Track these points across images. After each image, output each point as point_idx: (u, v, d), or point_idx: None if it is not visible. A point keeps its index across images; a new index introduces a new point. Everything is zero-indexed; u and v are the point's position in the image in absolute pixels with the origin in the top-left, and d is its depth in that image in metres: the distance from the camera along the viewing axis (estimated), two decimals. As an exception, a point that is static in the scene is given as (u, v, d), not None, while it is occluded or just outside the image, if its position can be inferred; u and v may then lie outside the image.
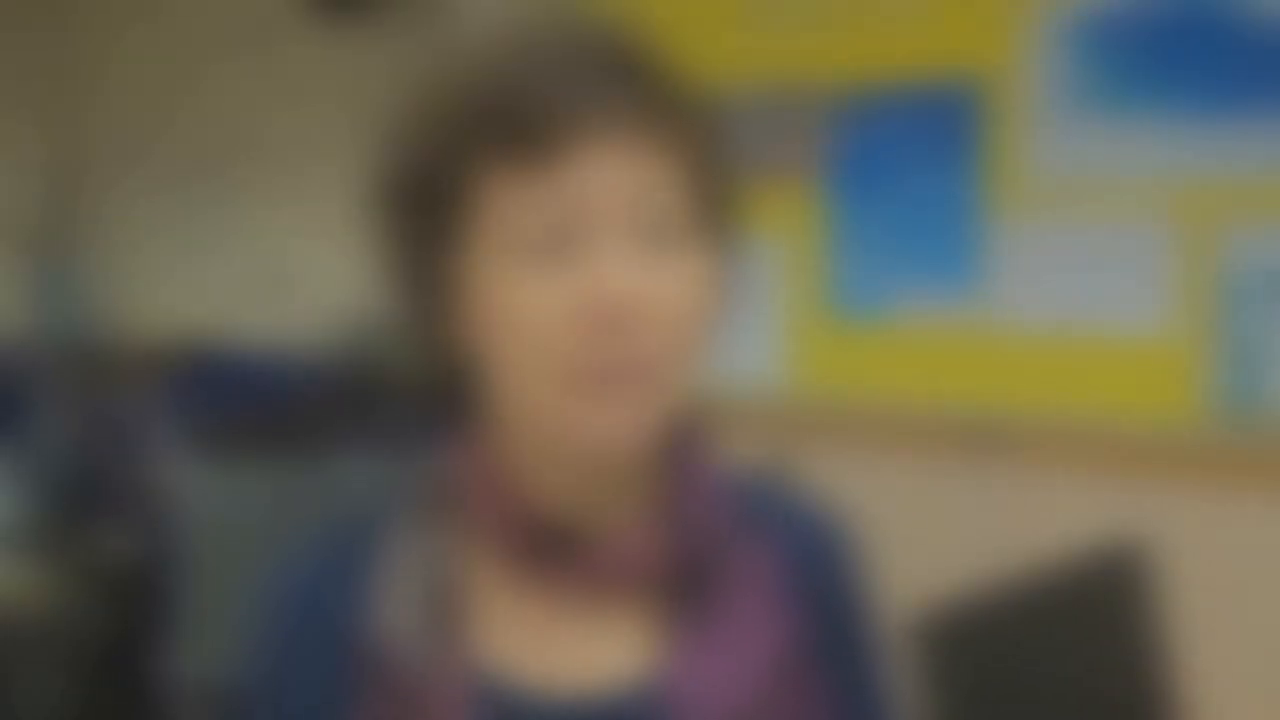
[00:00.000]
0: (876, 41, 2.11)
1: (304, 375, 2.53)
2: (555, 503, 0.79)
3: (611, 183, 0.74)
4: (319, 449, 2.35)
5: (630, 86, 0.76)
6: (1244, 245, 1.87)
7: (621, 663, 0.79)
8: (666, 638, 0.79)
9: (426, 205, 0.77)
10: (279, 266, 2.73)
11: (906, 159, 2.11)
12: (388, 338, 2.53)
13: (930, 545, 0.98)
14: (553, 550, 0.79)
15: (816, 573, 0.85)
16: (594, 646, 0.80)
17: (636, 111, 0.75)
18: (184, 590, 2.33)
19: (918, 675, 1.21)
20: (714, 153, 0.80)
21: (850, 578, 0.88)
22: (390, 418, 2.35)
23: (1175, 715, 1.52)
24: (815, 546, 0.86)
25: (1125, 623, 1.54)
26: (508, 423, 0.79)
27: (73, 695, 2.41)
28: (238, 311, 2.72)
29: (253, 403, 2.47)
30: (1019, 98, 2.02)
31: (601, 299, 0.73)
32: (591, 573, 0.79)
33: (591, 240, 0.74)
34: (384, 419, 2.34)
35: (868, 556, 0.89)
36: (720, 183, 0.80)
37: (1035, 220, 2.01)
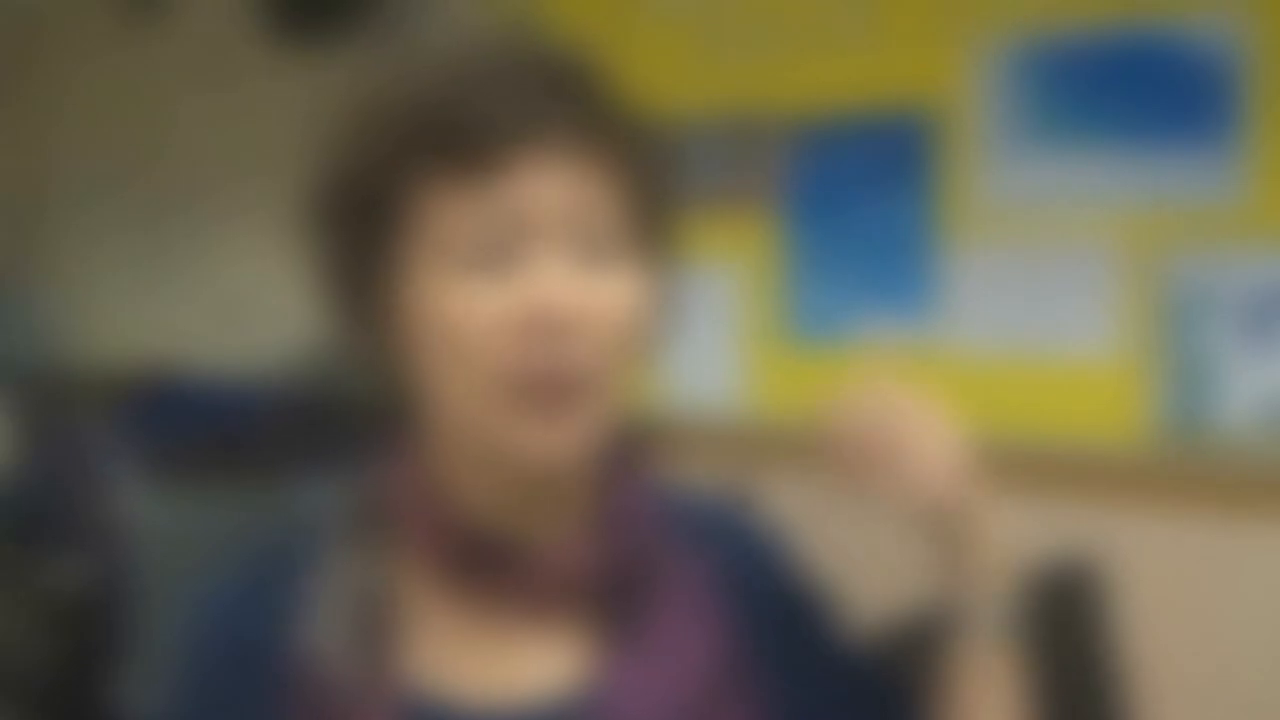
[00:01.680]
0: (831, 71, 2.15)
1: (261, 403, 2.51)
2: (488, 516, 0.79)
3: (549, 196, 0.75)
4: (277, 476, 2.33)
5: (569, 102, 0.76)
6: (1188, 269, 1.92)
7: (554, 676, 0.79)
8: (599, 650, 0.80)
9: (362, 217, 0.78)
10: (235, 295, 2.72)
11: (861, 186, 2.14)
12: (344, 365, 2.53)
13: (885, 567, 0.99)
14: (485, 564, 0.79)
15: (758, 579, 0.86)
16: (527, 660, 0.80)
17: (575, 126, 0.76)
18: (142, 619, 2.30)
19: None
20: (653, 170, 0.80)
21: (794, 576, 0.88)
22: (348, 445, 2.35)
23: (1127, 732, 1.54)
24: (753, 554, 0.87)
25: (1075, 640, 1.56)
26: (443, 435, 0.79)
27: (24, 728, 2.37)
28: (194, 340, 2.70)
29: (209, 431, 2.45)
30: (970, 127, 2.06)
31: (538, 310, 0.74)
32: (524, 586, 0.79)
33: (528, 253, 0.74)
34: (342, 446, 2.34)
35: (822, 576, 0.90)
36: (659, 200, 0.81)
37: (986, 246, 2.05)
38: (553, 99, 0.76)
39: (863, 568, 1.17)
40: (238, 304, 2.69)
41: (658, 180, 0.81)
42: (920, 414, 0.86)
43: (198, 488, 2.36)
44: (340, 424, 2.42)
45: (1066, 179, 1.98)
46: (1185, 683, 1.80)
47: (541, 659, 0.80)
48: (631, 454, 0.83)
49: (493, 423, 0.76)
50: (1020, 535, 0.89)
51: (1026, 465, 1.95)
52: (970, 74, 2.05)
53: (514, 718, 0.78)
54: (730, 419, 2.21)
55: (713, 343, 2.21)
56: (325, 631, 0.78)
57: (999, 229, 2.04)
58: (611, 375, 0.77)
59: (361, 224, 0.78)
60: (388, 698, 0.76)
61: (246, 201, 2.69)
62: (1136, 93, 1.94)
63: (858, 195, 2.15)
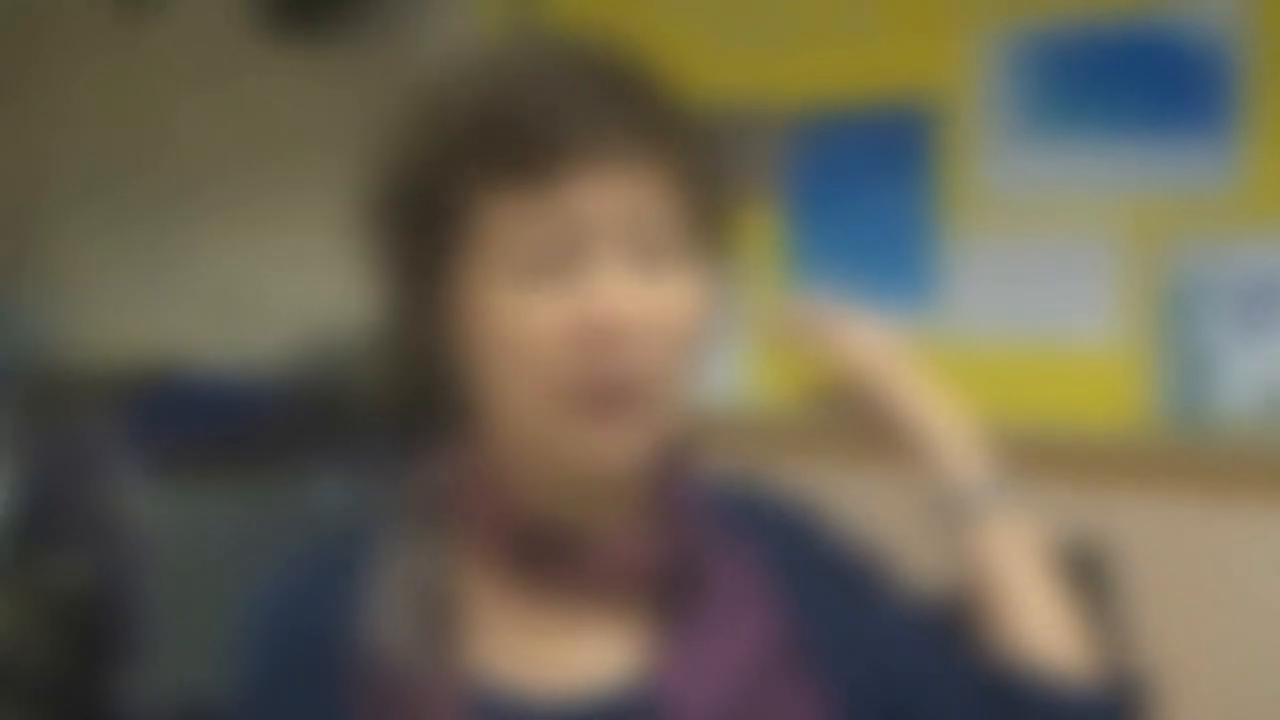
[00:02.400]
0: (831, 62, 2.16)
1: (265, 398, 2.52)
2: (547, 510, 0.81)
3: (610, 202, 0.75)
4: (282, 472, 2.34)
5: (630, 108, 0.77)
6: (1188, 258, 1.94)
7: (613, 666, 0.81)
8: (656, 640, 0.81)
9: (422, 222, 0.78)
10: (237, 290, 2.72)
11: (862, 176, 2.16)
12: (349, 359, 2.53)
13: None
14: (545, 557, 0.80)
15: (806, 561, 0.88)
16: (586, 651, 0.81)
17: (635, 132, 0.76)
18: (146, 617, 2.30)
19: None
20: (708, 172, 0.81)
21: (841, 551, 0.90)
22: (354, 438, 2.35)
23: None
24: (793, 534, 0.89)
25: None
26: (501, 437, 0.80)
27: (30, 725, 2.37)
28: (196, 337, 2.70)
29: (213, 427, 2.45)
30: (971, 117, 2.07)
31: (599, 318, 0.74)
32: (583, 579, 0.81)
33: (590, 260, 0.75)
34: (347, 440, 2.34)
35: (869, 545, 0.91)
36: (714, 203, 0.82)
37: (988, 236, 2.06)
38: (614, 105, 0.76)
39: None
40: (236, 299, 2.69)
41: (713, 184, 0.82)
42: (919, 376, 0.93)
43: (200, 484, 2.36)
44: (341, 419, 2.43)
45: (1066, 168, 2.00)
46: (1186, 666, 1.82)
47: (600, 650, 0.81)
48: (681, 450, 0.85)
49: (552, 430, 0.77)
50: (1028, 519, 0.91)
51: (1028, 452, 1.96)
52: (970, 64, 2.07)
53: (575, 708, 0.79)
54: (738, 410, 2.23)
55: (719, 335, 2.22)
56: (389, 625, 0.79)
57: (999, 218, 2.06)
58: (669, 380, 0.78)
59: (421, 228, 0.78)
60: (455, 690, 0.77)
61: (243, 196, 2.69)
62: (1135, 82, 1.96)
63: (859, 185, 2.16)
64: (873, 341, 0.95)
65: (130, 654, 2.35)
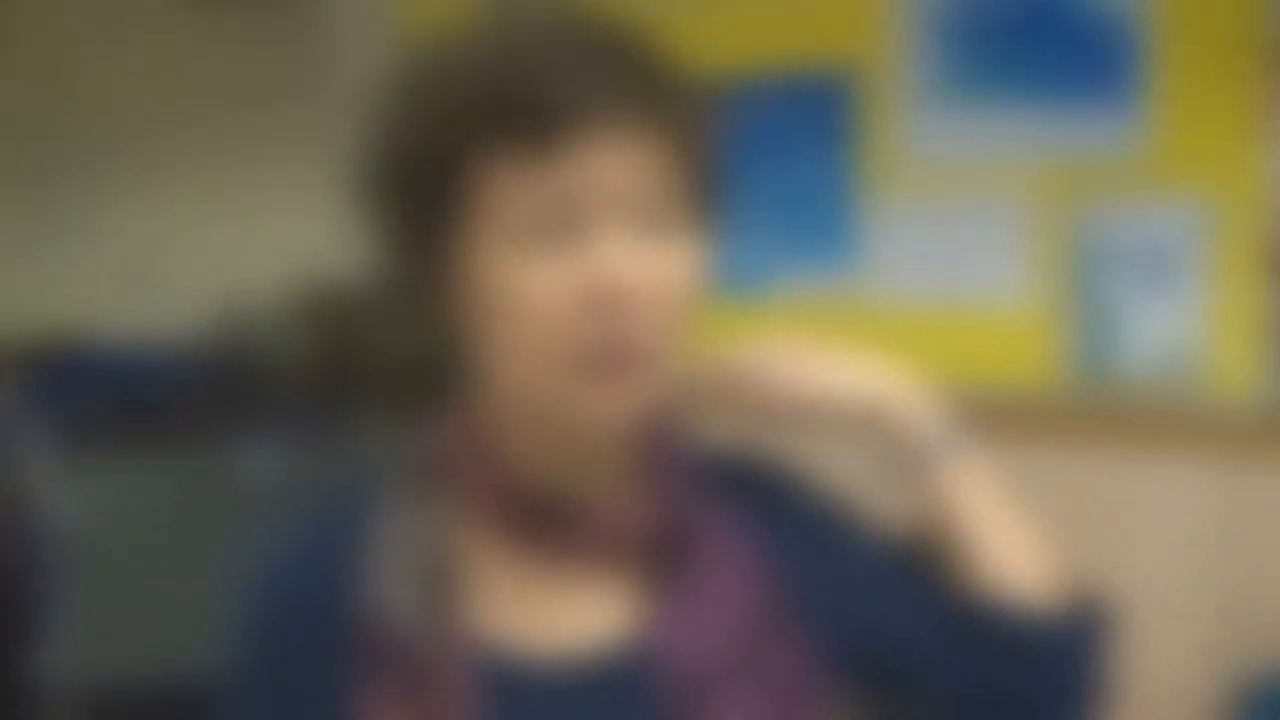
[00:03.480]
0: (752, 28, 2.18)
1: (176, 369, 2.46)
2: (544, 475, 0.82)
3: (612, 170, 0.76)
4: (195, 442, 2.29)
5: (631, 76, 0.78)
6: (1095, 220, 2.02)
7: (609, 627, 0.83)
8: (650, 601, 0.83)
9: (425, 188, 0.78)
10: (142, 258, 2.65)
11: (782, 141, 2.19)
12: (264, 327, 2.49)
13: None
14: (542, 520, 0.82)
15: (781, 516, 0.90)
16: (582, 613, 0.83)
17: (637, 100, 0.77)
18: (57, 596, 2.25)
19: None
20: (707, 142, 0.83)
21: (811, 502, 0.93)
22: (268, 406, 2.32)
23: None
24: (771, 494, 0.91)
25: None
26: (502, 401, 0.82)
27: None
28: (101, 306, 2.62)
29: (122, 400, 2.39)
30: (889, 83, 2.12)
31: (603, 284, 0.76)
32: (579, 541, 0.82)
33: (593, 226, 0.76)
34: (262, 408, 2.30)
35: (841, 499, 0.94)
36: (711, 171, 0.84)
37: (906, 200, 2.12)
38: (616, 73, 0.77)
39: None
40: (143, 267, 2.62)
41: (710, 152, 0.83)
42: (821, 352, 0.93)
43: (111, 459, 2.30)
44: (259, 389, 2.39)
45: (981, 135, 2.07)
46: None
47: (597, 610, 0.83)
48: (670, 412, 0.87)
49: (554, 392, 0.78)
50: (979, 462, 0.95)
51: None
52: (890, 32, 2.11)
53: (574, 667, 0.81)
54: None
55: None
56: (391, 589, 0.79)
57: (917, 184, 2.11)
58: (667, 345, 0.79)
59: (424, 195, 0.79)
60: (459, 652, 0.79)
61: (152, 160, 2.61)
62: (1045, 51, 2.03)
63: (778, 151, 2.20)
64: (780, 362, 0.93)
65: (40, 633, 2.29)
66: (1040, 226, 2.05)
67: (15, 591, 2.32)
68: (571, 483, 0.82)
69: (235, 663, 0.83)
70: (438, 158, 0.78)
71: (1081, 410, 2.03)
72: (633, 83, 0.78)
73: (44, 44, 2.69)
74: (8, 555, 2.37)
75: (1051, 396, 2.05)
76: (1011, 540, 0.92)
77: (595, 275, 0.76)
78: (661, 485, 0.85)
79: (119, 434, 2.32)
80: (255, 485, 2.12)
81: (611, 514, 0.83)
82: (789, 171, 2.19)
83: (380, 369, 2.02)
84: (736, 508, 0.89)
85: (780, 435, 0.93)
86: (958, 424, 0.94)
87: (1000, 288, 2.07)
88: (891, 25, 2.11)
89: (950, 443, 0.92)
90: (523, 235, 0.76)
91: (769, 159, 2.21)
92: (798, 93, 2.17)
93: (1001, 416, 2.08)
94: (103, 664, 2.19)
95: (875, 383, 0.93)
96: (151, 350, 2.52)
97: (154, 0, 2.52)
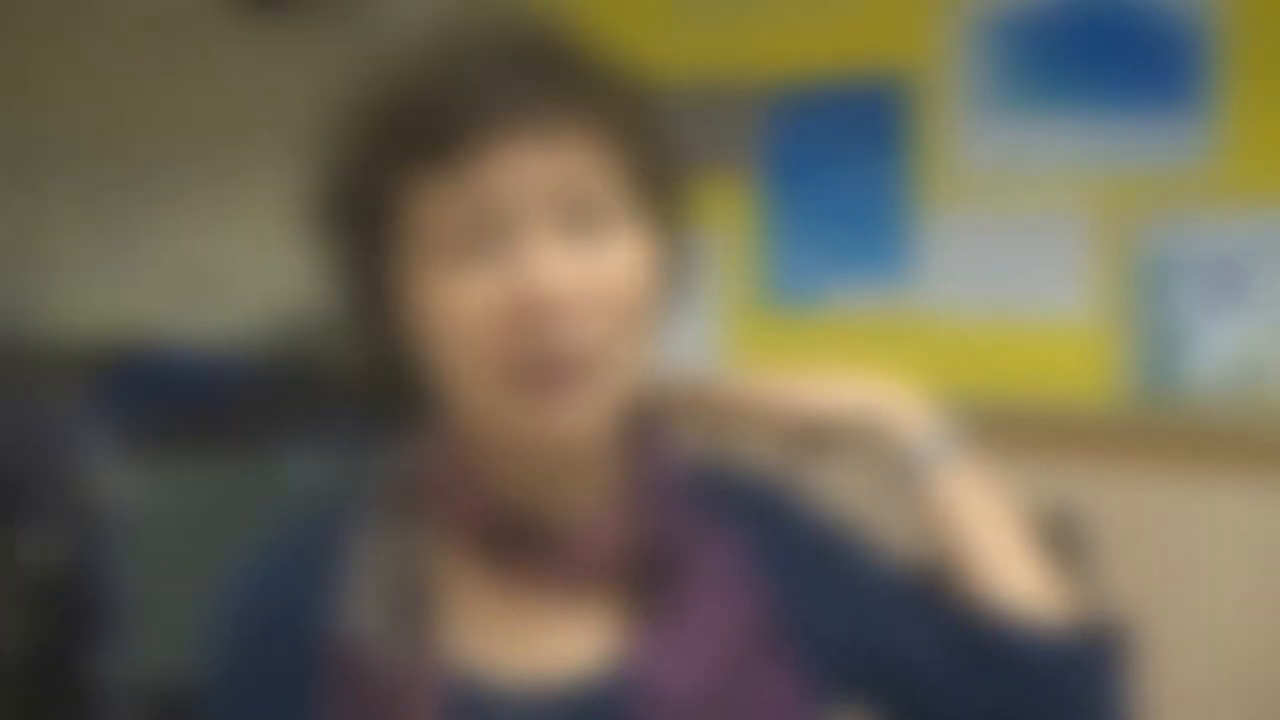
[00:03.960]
0: (806, 37, 2.16)
1: (232, 374, 2.50)
2: (518, 496, 0.80)
3: (529, 175, 0.74)
4: (252, 446, 2.33)
5: (541, 77, 0.75)
6: (1159, 232, 1.96)
7: (589, 653, 0.80)
8: (632, 627, 0.80)
9: (357, 215, 0.78)
10: (208, 265, 2.70)
11: (837, 152, 2.16)
12: (319, 333, 2.52)
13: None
14: (517, 543, 0.80)
15: (777, 536, 0.87)
16: (561, 638, 0.80)
17: (550, 100, 0.74)
18: (118, 594, 2.29)
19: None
20: (649, 136, 0.79)
21: (810, 521, 0.89)
22: (324, 412, 2.35)
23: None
24: (767, 512, 0.88)
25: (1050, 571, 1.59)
26: (460, 422, 0.80)
27: (0, 704, 2.36)
28: (167, 311, 2.68)
29: (182, 403, 2.44)
30: (945, 93, 2.08)
31: (530, 291, 0.73)
32: (556, 564, 0.80)
33: (515, 234, 0.74)
34: (318, 414, 2.33)
35: (846, 520, 0.91)
36: (659, 164, 0.80)
37: (961, 211, 2.08)
38: (522, 76, 0.74)
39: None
40: (206, 274, 2.68)
41: (656, 144, 0.79)
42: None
43: (172, 460, 2.35)
44: (315, 395, 2.42)
45: (1039, 144, 2.02)
46: (1153, 634, 1.85)
47: (576, 636, 0.80)
48: (653, 430, 0.84)
49: (498, 408, 0.75)
50: (1001, 492, 0.92)
51: (1000, 425, 1.99)
52: (945, 40, 2.08)
53: (550, 694, 0.79)
54: (708, 383, 2.24)
55: (692, 310, 2.22)
56: (364, 611, 0.78)
57: (973, 194, 2.07)
58: (618, 348, 0.76)
59: (357, 224, 0.78)
60: (430, 677, 0.77)
61: (216, 169, 2.67)
62: (1107, 57, 1.97)
63: (833, 161, 2.17)
64: (765, 387, 0.91)
65: (104, 632, 2.33)
66: (1101, 238, 1.99)
67: (79, 590, 2.38)
68: (545, 502, 0.80)
69: (210, 680, 0.82)
70: (363, 182, 0.77)
71: (1142, 428, 1.96)
72: (547, 85, 0.75)
73: (113, 58, 2.76)
74: (73, 553, 2.42)
75: (1111, 414, 1.98)
76: (1009, 553, 0.88)
77: (520, 283, 0.73)
78: (643, 505, 0.82)
79: (179, 436, 2.37)
80: (301, 489, 2.14)
81: (589, 536, 0.80)
82: (842, 183, 2.16)
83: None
84: (730, 526, 0.86)
85: (783, 453, 0.91)
86: (962, 435, 0.91)
87: (1059, 301, 2.02)
88: (946, 31, 2.07)
89: (946, 453, 0.89)
90: (448, 251, 0.74)
91: (822, 170, 2.18)
92: (850, 102, 2.14)
93: (1057, 434, 2.03)
94: (160, 662, 2.22)
95: (868, 394, 0.90)
96: (214, 355, 2.56)
97: (220, 15, 2.58)
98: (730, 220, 2.23)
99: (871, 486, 0.89)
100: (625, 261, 0.76)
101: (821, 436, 0.89)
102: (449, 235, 0.74)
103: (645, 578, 0.81)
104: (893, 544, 0.91)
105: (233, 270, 2.62)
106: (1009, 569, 0.88)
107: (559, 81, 0.75)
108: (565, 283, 0.73)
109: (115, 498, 2.34)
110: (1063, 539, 1.75)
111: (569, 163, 0.74)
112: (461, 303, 0.74)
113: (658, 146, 0.80)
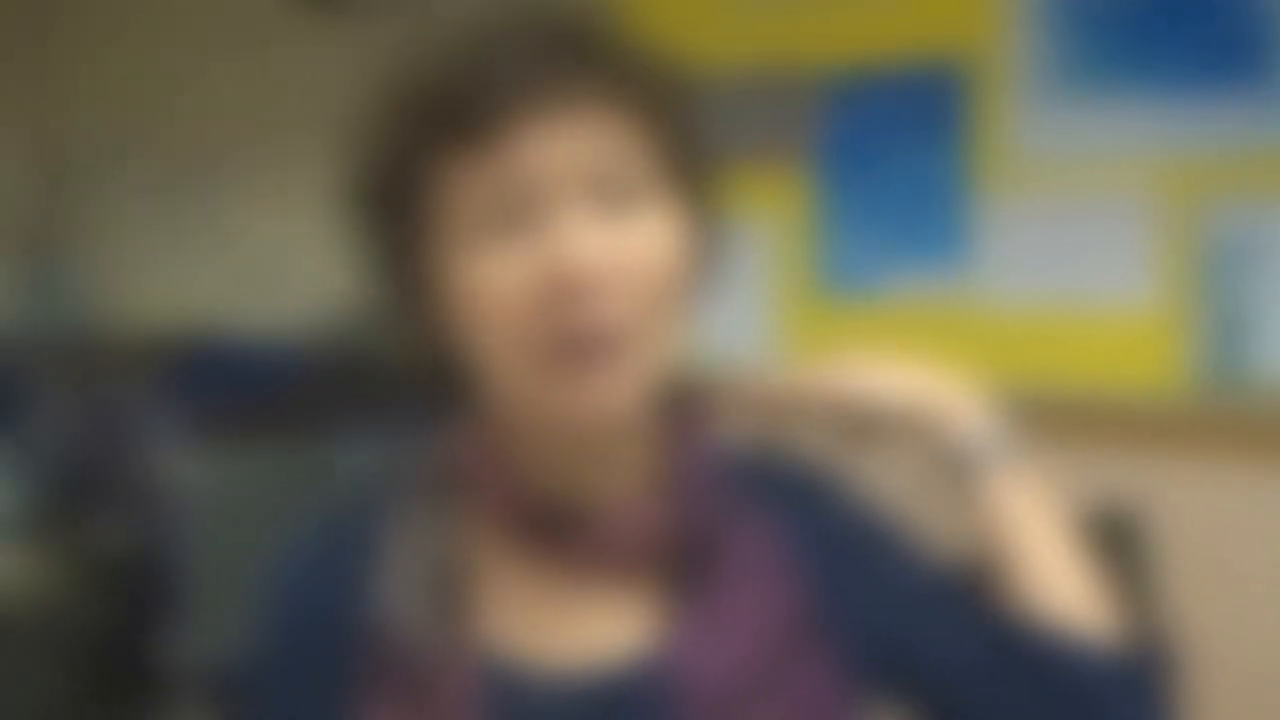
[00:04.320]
0: (862, 23, 2.13)
1: (297, 363, 2.54)
2: (554, 481, 0.80)
3: (560, 154, 0.74)
4: (315, 433, 2.36)
5: (571, 58, 0.76)
6: (1225, 217, 1.90)
7: (625, 639, 0.80)
8: (668, 612, 0.80)
9: (394, 201, 0.79)
10: (268, 257, 2.74)
11: (893, 138, 2.13)
12: (376, 323, 2.54)
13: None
14: (554, 528, 0.80)
15: (818, 526, 0.86)
16: (597, 624, 0.81)
17: (580, 81, 0.75)
18: (186, 577, 2.34)
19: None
20: (679, 117, 0.79)
21: (853, 512, 0.89)
22: (384, 401, 2.36)
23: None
24: (809, 502, 0.87)
25: (1117, 590, 1.56)
26: (495, 404, 0.80)
27: (72, 686, 2.42)
28: (229, 303, 2.73)
29: (247, 391, 2.48)
30: (1003, 76, 2.03)
31: (562, 269, 0.73)
32: (593, 550, 0.80)
33: (546, 213, 0.74)
34: (375, 406, 2.35)
35: (889, 513, 0.90)
36: (689, 144, 0.80)
37: (1021, 196, 2.03)
38: (551, 57, 0.75)
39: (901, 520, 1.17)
40: (267, 265, 2.71)
41: (685, 124, 0.80)
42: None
43: (236, 448, 2.39)
44: (372, 384, 2.44)
45: (1100, 127, 1.96)
46: (1220, 631, 1.80)
47: (612, 622, 0.81)
48: (691, 413, 0.84)
49: (532, 388, 0.76)
50: (1058, 487, 0.90)
51: (1063, 416, 1.95)
52: (1002, 22, 2.03)
53: (587, 681, 0.79)
54: (765, 374, 2.22)
55: (746, 298, 2.21)
56: (402, 598, 0.79)
57: (1033, 179, 2.02)
58: (650, 325, 0.76)
59: (394, 209, 0.79)
60: (467, 663, 0.77)
61: (273, 162, 2.70)
62: (1170, 38, 1.91)
63: (890, 148, 2.14)
64: (818, 377, 0.91)
65: (171, 615, 2.38)
66: (1165, 223, 1.93)
67: (147, 574, 2.43)
68: (581, 487, 0.80)
69: (252, 665, 0.83)
70: (399, 168, 0.78)
71: (1208, 418, 1.90)
72: (571, 63, 0.76)
73: (175, 55, 2.81)
74: (140, 539, 2.48)
75: (1176, 404, 1.93)
76: (1056, 561, 0.86)
77: (552, 261, 0.73)
78: (681, 491, 0.82)
79: (241, 424, 2.41)
80: (356, 476, 2.16)
81: (624, 520, 0.80)
82: (900, 169, 2.13)
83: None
84: (769, 514, 0.85)
85: (833, 442, 0.90)
86: (1016, 432, 0.89)
87: (1122, 288, 1.97)
88: (1004, 13, 2.02)
89: (998, 452, 0.88)
90: (482, 232, 0.75)
91: (879, 156, 2.15)
92: (907, 86, 2.10)
93: (1121, 425, 1.98)
94: (223, 645, 2.26)
95: (922, 385, 0.89)
96: (273, 346, 2.60)
97: (279, 9, 2.61)
98: (786, 207, 2.21)
99: (920, 480, 0.88)
100: (656, 240, 0.76)
101: (872, 427, 0.88)
102: (482, 215, 0.75)
103: (682, 564, 0.81)
104: (940, 540, 0.89)
105: (290, 263, 2.66)
106: (1054, 578, 0.86)
107: (588, 62, 0.76)
108: (598, 258, 0.74)
109: (180, 485, 2.38)
110: (1125, 533, 1.71)
111: (599, 142, 0.75)
112: (495, 282, 0.74)
113: (687, 127, 0.80)
